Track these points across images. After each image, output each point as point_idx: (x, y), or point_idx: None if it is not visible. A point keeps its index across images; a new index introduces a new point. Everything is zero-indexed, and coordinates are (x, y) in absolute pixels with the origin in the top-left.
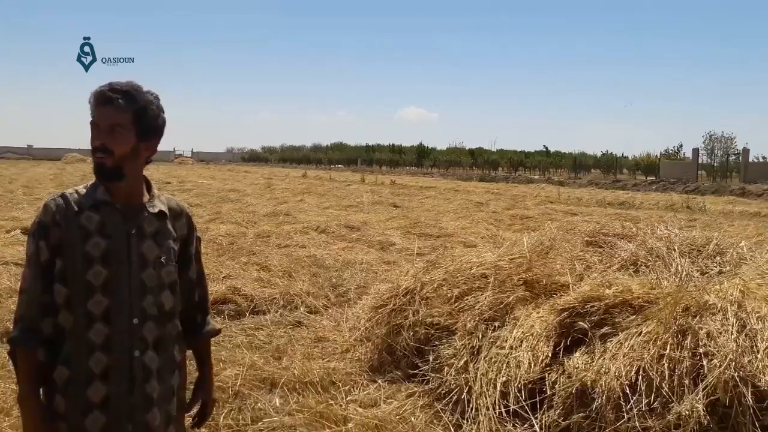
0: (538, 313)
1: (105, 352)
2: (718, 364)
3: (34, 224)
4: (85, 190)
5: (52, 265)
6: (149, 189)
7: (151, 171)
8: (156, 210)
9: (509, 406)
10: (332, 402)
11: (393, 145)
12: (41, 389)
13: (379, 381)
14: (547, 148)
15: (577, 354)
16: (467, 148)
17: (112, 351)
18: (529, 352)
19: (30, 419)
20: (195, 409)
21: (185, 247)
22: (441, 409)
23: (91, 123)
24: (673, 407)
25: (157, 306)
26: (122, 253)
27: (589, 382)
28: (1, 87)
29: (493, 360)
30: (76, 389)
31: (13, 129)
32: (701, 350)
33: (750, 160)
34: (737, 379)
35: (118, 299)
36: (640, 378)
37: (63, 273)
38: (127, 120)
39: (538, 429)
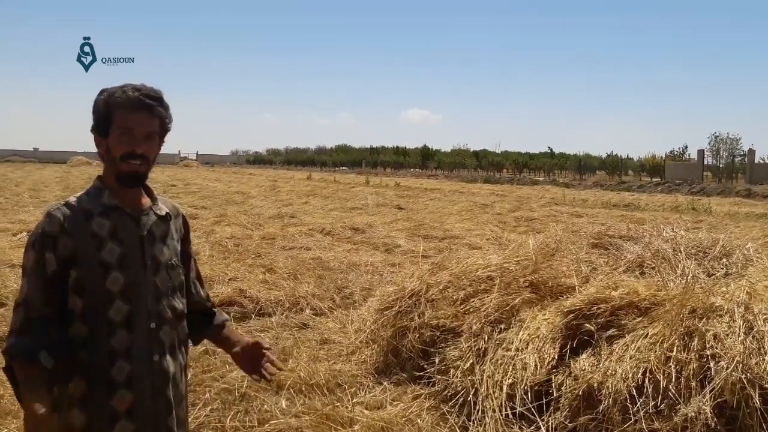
0: (544, 315)
1: (127, 359)
2: (725, 366)
3: (36, 235)
4: (87, 197)
5: (63, 276)
6: (149, 192)
7: (156, 174)
8: (163, 212)
9: (516, 408)
10: (338, 404)
11: (397, 147)
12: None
13: (385, 383)
14: (551, 149)
15: (584, 356)
16: (471, 150)
17: (134, 358)
18: (536, 354)
19: (35, 418)
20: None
21: (185, 247)
22: (447, 411)
23: (121, 128)
24: (680, 409)
25: (171, 309)
26: (137, 258)
27: (595, 384)
28: (6, 90)
29: (499, 362)
30: (99, 400)
31: (18, 132)
32: (708, 352)
33: (756, 161)
34: (744, 381)
35: (137, 305)
36: (646, 380)
37: (78, 283)
38: (157, 126)
39: (544, 431)
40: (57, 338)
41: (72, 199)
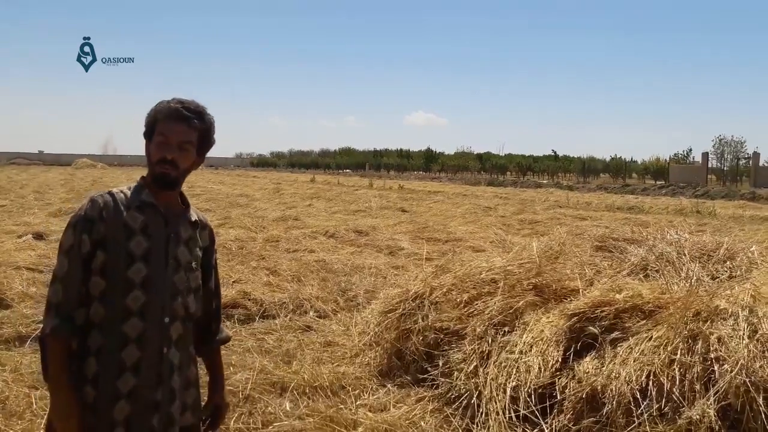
0: (548, 318)
1: (138, 346)
2: (729, 369)
3: (78, 216)
4: (129, 191)
5: (92, 257)
6: (183, 198)
7: None
8: (193, 219)
9: (519, 411)
10: (342, 406)
11: (401, 149)
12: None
13: (389, 385)
14: (555, 152)
15: (588, 359)
16: (475, 153)
17: (145, 346)
18: (539, 357)
19: (60, 399)
20: (208, 413)
21: (207, 258)
22: (451, 413)
23: (159, 135)
24: (684, 412)
25: (184, 307)
26: (161, 254)
27: (599, 387)
28: (12, 92)
29: (503, 365)
30: (107, 380)
31: (24, 135)
32: (712, 355)
33: (760, 164)
34: (749, 385)
35: (154, 297)
36: (650, 383)
37: (103, 267)
38: (194, 138)
39: None
40: (82, 322)
41: (115, 190)
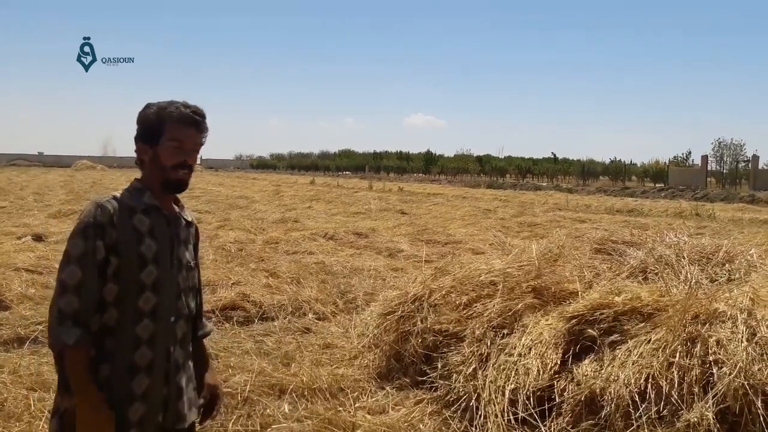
0: (546, 320)
1: (150, 346)
2: (727, 372)
3: (87, 223)
4: (129, 194)
5: (105, 264)
6: (176, 199)
7: None
8: (189, 219)
9: (518, 414)
10: (341, 408)
11: (400, 152)
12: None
13: (388, 388)
14: (555, 155)
15: (586, 361)
16: (475, 155)
17: (155, 346)
18: (538, 360)
19: (91, 411)
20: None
21: (195, 255)
22: (449, 416)
23: (174, 141)
24: (682, 415)
25: (186, 306)
26: (167, 256)
27: (598, 390)
28: (12, 93)
29: (501, 367)
30: (121, 382)
31: (24, 135)
32: (711, 358)
33: (760, 167)
34: (747, 388)
35: (163, 298)
36: (649, 386)
37: (117, 272)
38: (201, 141)
39: None
40: (96, 329)
41: (118, 194)
